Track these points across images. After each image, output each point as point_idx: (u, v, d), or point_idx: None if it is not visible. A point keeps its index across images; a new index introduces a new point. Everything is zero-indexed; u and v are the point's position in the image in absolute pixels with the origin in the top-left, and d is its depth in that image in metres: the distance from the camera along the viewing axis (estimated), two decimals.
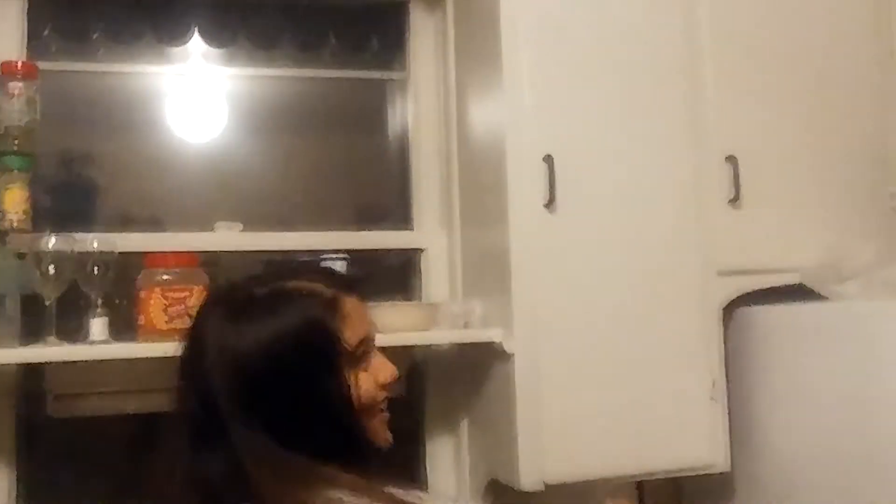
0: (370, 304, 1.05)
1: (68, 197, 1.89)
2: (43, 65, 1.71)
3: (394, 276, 2.05)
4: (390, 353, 1.04)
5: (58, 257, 1.51)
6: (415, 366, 1.96)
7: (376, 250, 2.03)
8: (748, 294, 1.78)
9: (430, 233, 2.01)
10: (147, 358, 1.50)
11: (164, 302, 1.55)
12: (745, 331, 1.80)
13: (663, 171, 1.75)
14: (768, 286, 1.78)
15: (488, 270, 1.77)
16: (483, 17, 1.78)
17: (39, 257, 1.51)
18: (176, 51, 1.98)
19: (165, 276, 1.58)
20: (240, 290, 1.01)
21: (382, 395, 1.02)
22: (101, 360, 1.54)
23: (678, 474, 1.80)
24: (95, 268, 1.55)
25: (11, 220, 1.58)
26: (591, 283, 1.69)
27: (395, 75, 2.12)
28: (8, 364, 1.62)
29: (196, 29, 1.97)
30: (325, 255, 1.84)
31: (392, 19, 2.10)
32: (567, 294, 1.67)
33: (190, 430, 0.95)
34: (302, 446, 0.92)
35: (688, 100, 1.77)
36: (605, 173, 1.71)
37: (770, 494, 1.73)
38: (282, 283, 1.01)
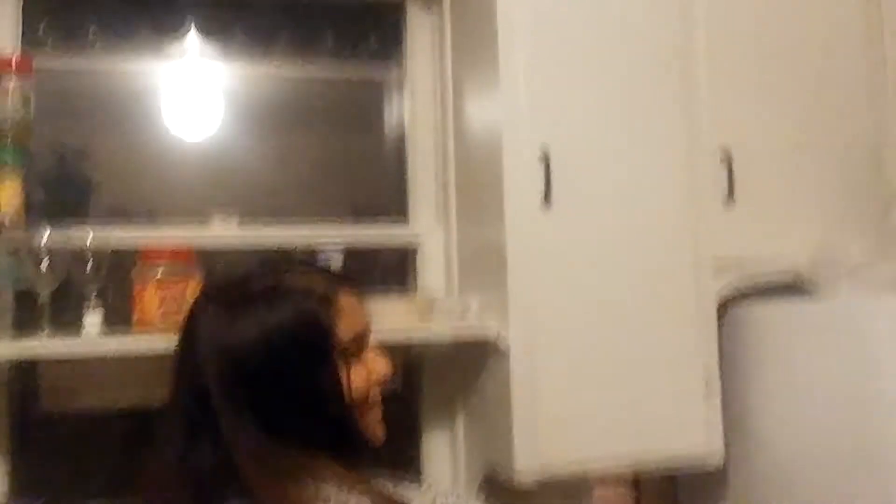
0: (366, 298, 1.05)
1: (63, 191, 1.88)
2: (38, 60, 1.70)
3: (390, 271, 2.04)
4: (386, 347, 1.04)
5: (52, 252, 1.51)
6: (411, 360, 1.96)
7: (373, 245, 2.03)
8: (743, 291, 1.79)
9: (427, 228, 2.01)
10: (142, 352, 1.50)
11: (160, 296, 1.55)
12: (739, 327, 1.81)
13: (659, 168, 1.75)
14: (763, 283, 1.79)
15: (484, 266, 1.78)
16: (479, 15, 1.78)
17: (34, 252, 1.50)
18: (172, 47, 1.97)
19: (161, 271, 1.57)
20: (234, 285, 1.01)
21: (376, 390, 1.02)
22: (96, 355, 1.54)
23: (673, 468, 1.81)
24: (90, 262, 1.54)
25: (5, 214, 1.57)
26: (586, 279, 1.69)
27: (391, 73, 2.12)
28: (1, 358, 1.62)
29: (193, 24, 1.97)
30: (321, 250, 1.83)
31: (389, 17, 2.10)
32: (563, 290, 1.68)
33: (182, 423, 0.95)
34: (294, 440, 0.93)
35: (683, 98, 1.78)
36: (600, 170, 1.72)
37: (764, 489, 1.74)
38: (277, 278, 1.01)
